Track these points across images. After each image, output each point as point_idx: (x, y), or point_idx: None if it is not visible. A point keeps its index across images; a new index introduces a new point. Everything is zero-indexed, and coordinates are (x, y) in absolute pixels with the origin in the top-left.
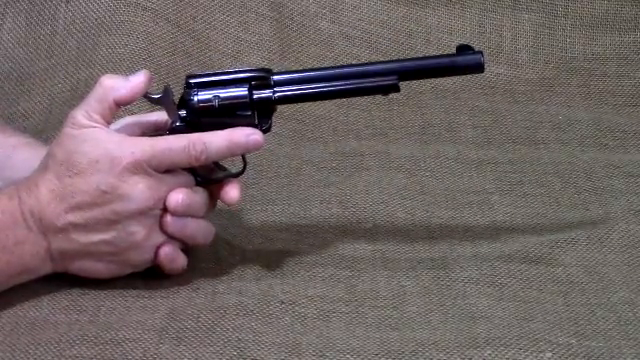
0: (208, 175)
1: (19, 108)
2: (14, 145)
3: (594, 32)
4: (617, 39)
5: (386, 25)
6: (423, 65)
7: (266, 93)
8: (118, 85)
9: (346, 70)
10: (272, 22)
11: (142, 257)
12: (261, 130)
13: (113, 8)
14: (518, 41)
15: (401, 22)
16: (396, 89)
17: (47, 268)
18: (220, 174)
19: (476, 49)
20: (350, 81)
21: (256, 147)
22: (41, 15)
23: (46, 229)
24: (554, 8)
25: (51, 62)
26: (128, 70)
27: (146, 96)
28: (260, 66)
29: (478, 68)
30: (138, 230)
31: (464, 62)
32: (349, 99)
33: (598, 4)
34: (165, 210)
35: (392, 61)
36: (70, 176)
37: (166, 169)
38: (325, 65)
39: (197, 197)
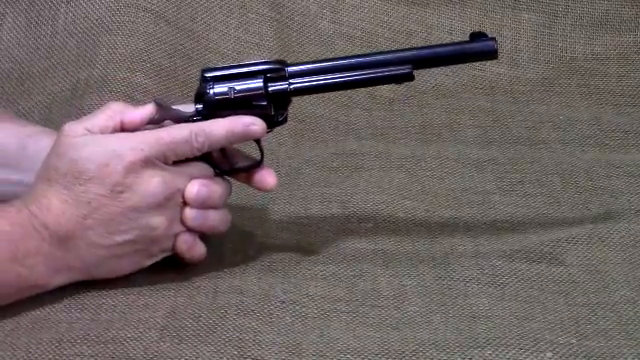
0: (226, 166)
1: (19, 108)
2: (29, 134)
3: (594, 32)
4: (617, 39)
5: (386, 25)
6: (437, 53)
7: (281, 85)
8: (130, 110)
9: (360, 60)
10: (272, 22)
11: (163, 246)
12: (277, 122)
13: (113, 9)
14: (518, 41)
15: (401, 22)
16: (410, 78)
17: (60, 280)
18: (239, 164)
19: (489, 35)
20: (364, 71)
21: (256, 136)
22: (41, 15)
23: (63, 240)
24: (554, 8)
25: (51, 62)
26: (128, 70)
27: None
28: (275, 58)
29: (492, 54)
30: (160, 223)
31: (478, 49)
32: (350, 98)
33: (598, 4)
34: (185, 203)
35: (406, 49)
36: (81, 184)
37: (175, 160)
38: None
39: (216, 187)
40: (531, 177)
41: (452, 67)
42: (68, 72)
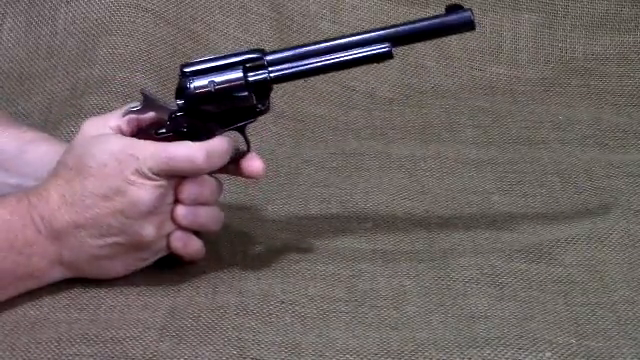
0: None
1: (19, 108)
2: (30, 140)
3: (594, 32)
4: (617, 39)
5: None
6: (414, 29)
7: (261, 74)
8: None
9: (338, 42)
10: (272, 22)
11: (156, 248)
12: (260, 111)
13: (113, 9)
14: (518, 41)
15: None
16: (389, 56)
17: (56, 274)
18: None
19: (465, 7)
20: (343, 53)
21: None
22: (41, 15)
23: (57, 234)
24: (554, 8)
25: (51, 62)
26: (128, 70)
27: (130, 112)
28: (253, 47)
29: (469, 25)
30: (149, 230)
31: (454, 21)
32: (350, 98)
33: (598, 4)
34: (176, 202)
35: (383, 28)
36: (80, 180)
37: (171, 177)
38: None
39: (206, 185)
40: (530, 177)
41: (451, 67)
42: (68, 72)
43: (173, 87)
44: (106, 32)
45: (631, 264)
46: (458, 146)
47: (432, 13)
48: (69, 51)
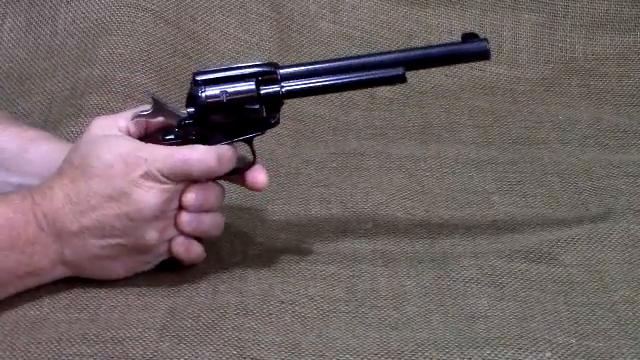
0: None
1: (19, 108)
2: (32, 139)
3: (594, 32)
4: (617, 39)
5: (386, 25)
6: (429, 55)
7: (273, 88)
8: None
9: (352, 62)
10: (272, 22)
11: (158, 252)
12: (269, 124)
13: (113, 8)
14: (518, 41)
15: (401, 22)
16: (403, 80)
17: (57, 273)
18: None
19: (482, 36)
20: (356, 73)
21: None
22: (41, 15)
23: (60, 232)
24: (554, 8)
25: (51, 62)
26: (128, 70)
27: (140, 116)
28: (267, 60)
29: (484, 55)
30: (152, 234)
31: (470, 50)
32: (350, 98)
33: (598, 4)
34: (180, 208)
35: (398, 51)
36: (85, 180)
37: (181, 180)
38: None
39: (211, 192)
40: (530, 177)
41: (451, 67)
42: (68, 72)
43: (173, 87)
44: (106, 32)
45: (631, 264)
46: (458, 146)
47: (432, 14)
48: (69, 51)
